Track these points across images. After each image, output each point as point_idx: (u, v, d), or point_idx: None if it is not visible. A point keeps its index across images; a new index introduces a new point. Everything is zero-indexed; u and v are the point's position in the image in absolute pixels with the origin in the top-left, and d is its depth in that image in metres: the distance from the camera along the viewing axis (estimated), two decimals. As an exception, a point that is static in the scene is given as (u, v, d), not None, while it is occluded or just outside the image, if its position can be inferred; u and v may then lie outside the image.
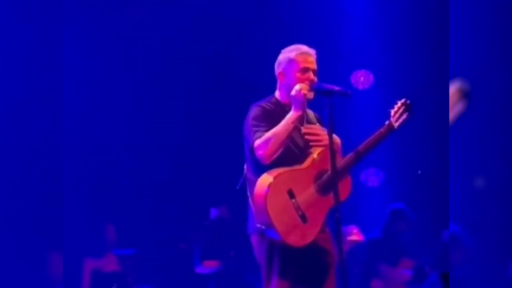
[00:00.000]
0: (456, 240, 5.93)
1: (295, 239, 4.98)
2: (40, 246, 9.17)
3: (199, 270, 9.44)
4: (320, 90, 5.04)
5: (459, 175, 5.14)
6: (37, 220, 9.21)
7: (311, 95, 5.07)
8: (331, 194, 4.92)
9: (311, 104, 5.18)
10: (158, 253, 9.87)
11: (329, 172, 4.98)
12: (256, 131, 5.07)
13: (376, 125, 5.27)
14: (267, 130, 5.03)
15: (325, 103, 4.95)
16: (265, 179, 5.00)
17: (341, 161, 5.10)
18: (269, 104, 5.20)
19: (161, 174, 10.31)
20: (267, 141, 4.99)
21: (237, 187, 5.30)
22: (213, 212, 9.75)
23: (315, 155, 5.12)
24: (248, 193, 5.16)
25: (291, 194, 5.01)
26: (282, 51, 5.29)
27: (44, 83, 9.39)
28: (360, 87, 10.31)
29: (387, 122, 5.22)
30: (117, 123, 10.29)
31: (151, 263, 9.82)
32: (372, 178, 10.41)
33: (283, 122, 5.03)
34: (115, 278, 9.37)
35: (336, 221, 4.84)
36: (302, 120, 5.16)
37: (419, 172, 10.08)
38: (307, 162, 5.11)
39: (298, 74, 5.16)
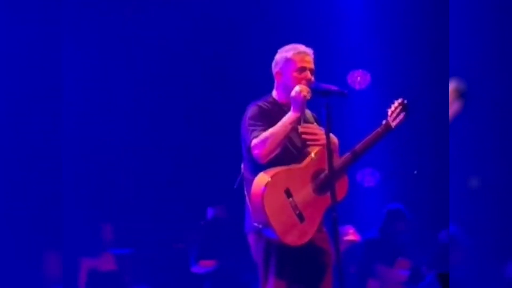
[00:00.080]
0: (454, 240, 5.94)
1: (292, 239, 4.98)
2: (38, 245, 9.18)
3: (195, 269, 9.44)
4: (318, 90, 5.05)
5: (458, 175, 5.15)
6: (37, 219, 9.24)
7: (309, 95, 5.08)
8: (328, 194, 4.92)
9: (308, 103, 5.18)
10: (155, 253, 9.87)
11: (326, 171, 4.99)
12: (253, 130, 5.07)
13: (373, 124, 5.27)
14: (264, 130, 5.04)
15: (322, 103, 4.95)
16: (262, 178, 5.00)
17: (338, 161, 5.11)
18: (266, 104, 5.20)
19: (158, 174, 10.31)
20: (264, 140, 5.00)
21: (235, 186, 5.31)
22: (210, 212, 9.75)
23: (312, 155, 5.12)
24: (245, 192, 5.16)
25: (288, 193, 5.01)
26: (279, 50, 5.29)
27: (44, 83, 9.40)
28: (357, 87, 10.30)
29: (384, 122, 5.23)
30: (115, 123, 10.29)
31: (147, 263, 9.82)
32: (368, 178, 10.41)
33: (281, 123, 5.03)
34: (111, 277, 9.37)
35: (333, 220, 4.84)
36: (299, 120, 5.17)
37: (415, 172, 10.08)
38: (305, 161, 5.11)
39: (295, 74, 5.17)
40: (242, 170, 5.26)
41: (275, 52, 5.31)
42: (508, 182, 5.11)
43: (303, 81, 5.12)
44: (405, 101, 5.25)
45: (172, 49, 10.37)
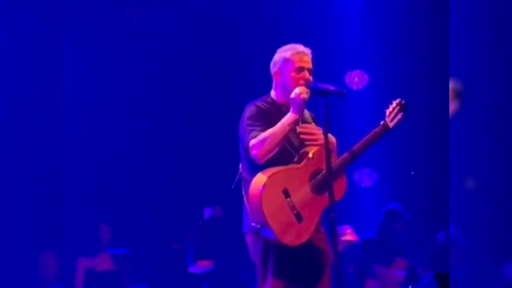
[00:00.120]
0: (452, 241, 5.94)
1: (290, 239, 4.98)
2: (37, 244, 9.18)
3: (192, 269, 9.44)
4: (316, 90, 5.04)
5: (457, 176, 5.15)
6: (36, 219, 9.23)
7: (308, 96, 5.08)
8: (326, 194, 4.92)
9: (307, 103, 5.17)
10: (152, 253, 9.87)
11: (324, 171, 4.99)
12: (251, 130, 5.06)
13: (371, 124, 5.27)
14: (262, 130, 5.03)
15: (321, 103, 4.95)
16: (260, 179, 5.00)
17: (336, 161, 5.10)
18: (265, 104, 5.20)
19: (155, 174, 10.31)
20: (262, 141, 4.99)
21: (232, 187, 5.30)
22: (207, 212, 9.75)
23: (310, 155, 5.12)
24: (243, 193, 5.16)
25: (286, 193, 5.01)
26: (278, 50, 5.28)
27: (44, 83, 9.40)
28: (355, 87, 10.32)
29: (382, 122, 5.22)
30: (114, 123, 10.30)
31: (145, 263, 9.82)
32: (365, 178, 10.42)
33: (279, 124, 5.02)
34: (108, 277, 9.36)
35: (331, 220, 4.84)
36: (298, 122, 5.16)
37: (412, 173, 10.09)
38: (303, 161, 5.11)
39: (293, 74, 5.16)
40: (240, 170, 5.25)
41: (273, 52, 5.30)
42: (507, 183, 5.11)
43: (301, 81, 5.11)
44: (403, 101, 5.25)
45: (172, 49, 10.39)
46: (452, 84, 5.15)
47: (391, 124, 5.21)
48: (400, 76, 10.07)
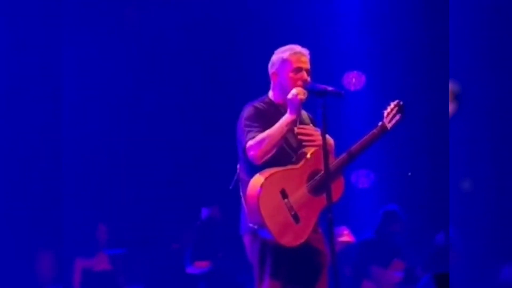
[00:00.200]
0: (453, 243, 5.95)
1: (288, 239, 4.98)
2: (36, 245, 9.16)
3: (190, 270, 9.43)
4: (314, 90, 5.04)
5: (457, 177, 5.16)
6: (35, 219, 9.22)
7: (305, 97, 5.08)
8: (324, 195, 4.93)
9: (305, 104, 5.18)
10: (149, 253, 9.86)
11: (322, 172, 4.99)
12: (249, 131, 5.06)
13: (369, 125, 5.28)
14: (260, 131, 5.03)
15: (319, 103, 4.95)
16: (257, 179, 5.00)
17: (334, 162, 5.11)
18: (263, 104, 5.20)
19: (153, 175, 10.30)
20: (260, 142, 5.00)
21: (230, 187, 5.30)
22: (204, 212, 9.74)
23: (308, 155, 5.12)
24: (241, 193, 5.16)
25: (284, 194, 5.01)
26: (276, 51, 5.29)
27: (44, 83, 9.40)
28: (352, 88, 10.33)
29: (380, 123, 5.23)
30: (112, 124, 10.30)
31: (142, 263, 9.81)
32: (362, 179, 10.42)
33: (277, 125, 5.03)
34: (106, 277, 9.35)
35: (328, 221, 4.84)
36: (296, 122, 5.17)
37: (409, 173, 10.10)
38: (300, 162, 5.11)
39: (291, 74, 5.16)
40: (238, 171, 5.25)
41: (272, 53, 5.30)
42: (506, 184, 5.12)
43: (299, 82, 5.12)
44: (401, 103, 5.26)
45: (171, 50, 10.40)
46: (450, 86, 5.16)
47: (389, 126, 5.22)
48: (398, 77, 10.08)
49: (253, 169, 5.06)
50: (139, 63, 10.36)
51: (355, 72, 10.45)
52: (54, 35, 9.74)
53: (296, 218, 5.02)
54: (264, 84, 5.35)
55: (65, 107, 9.90)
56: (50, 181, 9.57)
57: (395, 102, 5.28)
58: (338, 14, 10.52)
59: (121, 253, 9.65)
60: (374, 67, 10.37)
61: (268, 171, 5.02)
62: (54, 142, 9.71)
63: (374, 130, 5.22)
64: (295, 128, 5.16)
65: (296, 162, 5.12)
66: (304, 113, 5.30)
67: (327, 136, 5.02)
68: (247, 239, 5.17)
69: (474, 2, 5.28)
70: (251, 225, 5.02)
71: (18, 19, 9.55)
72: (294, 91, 5.06)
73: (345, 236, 8.29)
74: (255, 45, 9.60)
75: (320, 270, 5.15)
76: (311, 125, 5.27)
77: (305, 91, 5.06)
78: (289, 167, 5.09)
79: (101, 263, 9.43)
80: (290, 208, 5.01)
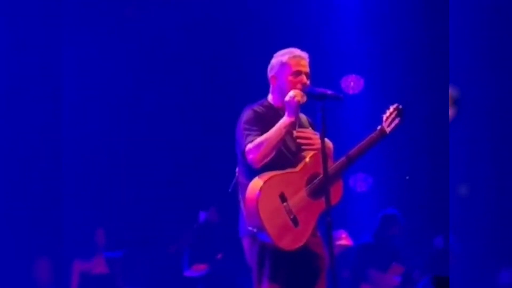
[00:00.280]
0: (451, 246, 5.96)
1: (287, 243, 4.98)
2: (35, 247, 9.15)
3: (188, 273, 9.43)
4: (313, 94, 5.05)
5: (457, 181, 5.16)
6: (34, 222, 9.21)
7: (304, 99, 5.08)
8: (323, 198, 4.92)
9: (303, 107, 5.19)
10: (147, 256, 9.85)
11: (321, 176, 4.99)
12: (248, 135, 5.06)
13: (367, 129, 5.28)
14: (259, 134, 5.03)
15: (318, 107, 4.95)
16: (256, 183, 5.00)
17: (333, 165, 5.11)
18: (262, 108, 5.20)
19: (151, 177, 10.30)
20: (258, 145, 5.00)
21: (229, 190, 5.30)
22: (202, 215, 9.74)
23: (307, 159, 5.12)
24: (240, 197, 5.16)
25: (283, 198, 5.01)
26: (275, 55, 5.29)
27: (44, 83, 9.40)
28: (351, 91, 10.33)
29: (379, 127, 5.23)
30: (112, 125, 10.29)
31: (140, 266, 9.79)
32: (361, 183, 10.43)
33: (275, 128, 5.03)
34: (103, 280, 9.34)
35: (327, 225, 4.84)
36: (294, 125, 5.16)
37: (407, 177, 10.10)
38: (299, 165, 5.11)
39: (290, 77, 5.16)
40: (237, 174, 5.25)
41: (271, 56, 5.30)
42: (506, 189, 5.13)
43: (299, 85, 5.12)
44: (401, 106, 5.26)
45: (171, 51, 10.40)
46: (450, 91, 5.17)
47: (388, 129, 5.22)
48: (397, 80, 10.09)
49: (252, 173, 5.05)
50: (139, 63, 10.36)
51: (353, 75, 10.46)
52: (54, 35, 9.74)
53: (295, 221, 5.02)
54: (263, 85, 5.35)
55: (65, 107, 9.89)
56: (49, 182, 9.57)
57: (394, 105, 5.28)
58: (337, 17, 10.53)
59: (119, 256, 9.64)
60: (374, 70, 10.38)
61: (267, 175, 5.02)
62: (54, 142, 9.70)
63: (373, 134, 5.22)
64: (294, 132, 5.16)
65: (295, 166, 5.12)
66: (303, 117, 5.30)
67: (326, 139, 5.02)
68: (246, 242, 5.17)
69: (474, 5, 5.29)
70: (250, 228, 5.02)
71: (18, 19, 9.54)
72: (291, 93, 5.06)
73: (343, 240, 8.31)
74: (255, 47, 9.62)
75: (319, 273, 5.15)
76: (310, 128, 5.27)
77: (302, 93, 5.06)
78: (288, 170, 5.09)
79: (99, 266, 9.42)
80: (289, 212, 5.01)
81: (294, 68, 5.17)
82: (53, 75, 9.72)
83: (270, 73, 5.26)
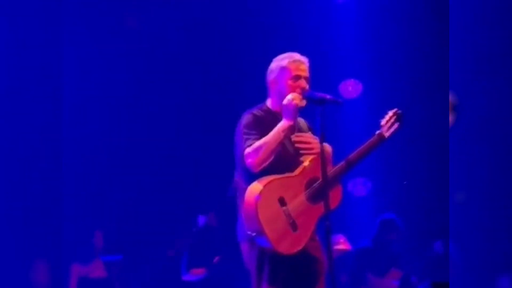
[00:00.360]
0: (451, 252, 5.96)
1: (286, 247, 4.98)
2: (33, 251, 9.13)
3: (186, 277, 9.42)
4: (312, 98, 5.05)
5: (457, 187, 5.16)
6: (33, 225, 9.20)
7: (303, 103, 5.08)
8: (322, 202, 4.92)
9: (303, 112, 5.18)
10: (145, 260, 9.84)
11: (320, 180, 4.99)
12: (247, 139, 5.07)
13: (368, 134, 5.28)
14: (257, 138, 5.03)
15: (317, 111, 4.95)
16: (255, 187, 5.00)
17: (332, 170, 5.11)
18: (261, 112, 5.21)
19: (150, 180, 10.28)
20: (257, 149, 5.00)
21: (228, 195, 5.31)
22: (201, 219, 9.73)
23: (306, 163, 5.12)
24: (239, 201, 5.16)
25: (282, 202, 5.01)
26: (274, 59, 5.29)
27: (44, 83, 9.39)
28: (349, 96, 10.33)
29: (378, 132, 5.23)
30: (111, 128, 10.27)
31: (138, 270, 9.78)
32: (359, 188, 10.42)
33: (273, 131, 5.03)
34: (102, 284, 9.33)
35: (326, 229, 4.84)
36: (293, 129, 5.16)
37: (405, 182, 10.10)
38: (298, 169, 5.11)
39: (290, 82, 5.17)
40: (236, 178, 5.25)
41: (269, 60, 5.30)
42: (505, 194, 5.12)
43: (298, 89, 5.13)
44: (400, 111, 5.26)
45: (171, 51, 10.39)
46: (449, 98, 5.17)
47: (387, 134, 5.23)
48: (396, 85, 10.09)
49: (251, 177, 5.05)
50: (139, 64, 10.35)
51: (352, 80, 10.46)
52: (54, 35, 9.73)
53: (294, 225, 5.01)
54: (263, 89, 5.35)
55: (65, 107, 9.88)
56: (48, 185, 9.55)
57: (394, 110, 5.29)
58: (337, 21, 10.53)
59: (118, 259, 9.63)
60: (373, 75, 10.38)
61: (266, 179, 5.02)
62: (54, 142, 9.69)
63: (372, 139, 5.22)
64: (293, 136, 5.16)
65: (294, 170, 5.11)
66: (302, 121, 5.31)
67: (325, 144, 5.03)
68: (244, 247, 5.17)
69: (474, 10, 5.29)
70: (249, 232, 5.01)
71: (18, 19, 9.53)
72: (289, 96, 5.07)
73: (342, 244, 8.31)
74: (254, 51, 9.62)
75: (317, 278, 5.15)
76: (309, 133, 5.27)
77: (300, 97, 5.07)
78: (287, 174, 5.09)
79: (97, 269, 9.41)
80: (288, 216, 5.01)
81: (294, 73, 5.17)
82: (53, 75, 9.71)
83: (270, 77, 5.26)
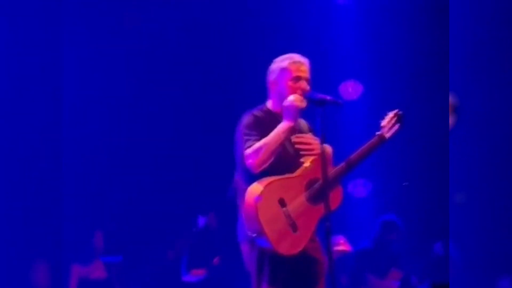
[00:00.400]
0: (451, 253, 5.97)
1: (286, 248, 4.98)
2: (33, 251, 9.13)
3: (186, 278, 9.42)
4: (313, 99, 5.06)
5: (458, 188, 5.16)
6: (33, 226, 9.19)
7: (303, 104, 5.09)
8: (322, 203, 4.93)
9: (303, 113, 5.19)
10: (146, 261, 9.84)
11: (320, 181, 4.99)
12: (247, 140, 5.07)
13: (369, 135, 5.28)
14: (258, 139, 5.04)
15: (317, 112, 4.96)
16: (256, 188, 5.00)
17: (332, 171, 5.11)
18: (261, 113, 5.21)
19: (150, 181, 10.27)
20: (257, 150, 5.00)
21: (228, 195, 5.31)
22: (201, 220, 9.74)
23: (306, 164, 5.12)
24: (239, 201, 5.16)
25: (282, 203, 5.01)
26: (275, 60, 5.29)
27: (44, 83, 9.38)
28: (349, 97, 10.34)
29: (378, 133, 5.24)
30: (111, 129, 10.26)
31: (138, 271, 9.78)
32: (359, 189, 10.42)
33: (274, 132, 5.04)
34: (102, 285, 9.33)
35: (326, 230, 4.85)
36: (293, 130, 5.16)
37: (404, 183, 10.09)
38: (299, 170, 5.11)
39: (290, 83, 5.17)
40: (236, 179, 5.25)
41: (270, 61, 5.31)
42: (505, 196, 5.13)
43: (299, 91, 5.13)
44: (400, 112, 5.27)
45: (171, 52, 10.38)
46: (450, 99, 5.17)
47: (387, 135, 5.23)
48: (397, 86, 10.09)
49: (251, 178, 5.06)
50: (139, 64, 10.34)
51: (352, 81, 10.46)
52: (54, 35, 9.73)
53: (294, 226, 5.02)
54: (263, 90, 5.35)
55: (65, 107, 9.88)
56: (48, 185, 9.55)
57: (394, 111, 5.29)
58: (337, 23, 10.53)
59: (118, 260, 9.62)
60: (373, 76, 10.38)
61: (266, 180, 5.02)
62: (54, 142, 9.69)
63: (373, 140, 5.22)
64: (293, 137, 5.16)
65: (295, 171, 5.12)
66: (302, 122, 5.31)
67: (326, 145, 5.03)
68: (244, 247, 5.17)
69: (474, 13, 5.29)
70: (249, 233, 5.02)
71: (18, 19, 9.53)
72: (291, 97, 5.07)
73: (342, 245, 8.29)
74: (253, 55, 9.60)
75: (318, 279, 5.15)
76: (310, 134, 5.27)
77: (302, 98, 5.07)
78: (288, 175, 5.09)
79: (97, 270, 9.40)
80: (288, 217, 5.01)
81: (294, 74, 5.17)
82: (53, 75, 9.70)
83: (270, 78, 5.26)
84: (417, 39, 10.17)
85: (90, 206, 9.93)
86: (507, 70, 5.13)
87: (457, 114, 5.10)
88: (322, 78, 5.76)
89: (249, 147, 5.02)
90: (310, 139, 5.20)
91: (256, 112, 5.20)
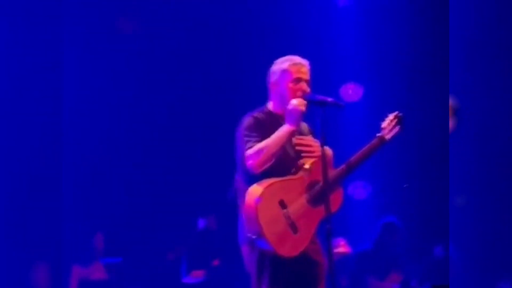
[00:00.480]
0: (451, 256, 5.96)
1: (286, 250, 4.98)
2: (33, 253, 9.12)
3: (186, 280, 9.42)
4: (313, 101, 5.05)
5: (458, 191, 5.16)
6: (33, 227, 9.18)
7: (304, 108, 5.09)
8: (322, 205, 4.92)
9: (304, 115, 5.18)
10: (146, 262, 9.83)
11: (321, 183, 4.99)
12: (248, 141, 5.07)
13: (369, 137, 5.28)
14: (258, 141, 5.03)
15: (318, 114, 4.95)
16: (256, 189, 5.00)
17: (332, 173, 5.11)
18: (262, 114, 5.21)
19: (149, 183, 10.26)
20: (258, 152, 5.00)
21: (228, 197, 5.30)
22: (201, 222, 9.73)
23: (307, 166, 5.12)
24: (239, 203, 5.16)
25: (283, 205, 5.01)
26: (275, 62, 5.29)
27: (44, 83, 9.38)
28: (350, 99, 10.34)
29: (379, 135, 5.24)
30: (110, 130, 10.26)
31: (138, 272, 9.77)
32: (359, 191, 10.42)
33: (275, 135, 5.03)
34: (102, 286, 9.33)
35: (327, 232, 4.84)
36: (295, 133, 5.17)
37: (404, 185, 10.09)
38: (299, 172, 5.11)
39: (290, 85, 5.17)
40: (236, 181, 5.25)
41: (270, 63, 5.30)
42: (505, 198, 5.12)
43: (299, 92, 5.13)
44: (401, 114, 5.26)
45: (171, 52, 10.38)
46: (450, 102, 5.17)
47: (388, 137, 5.23)
48: (397, 88, 10.09)
49: (252, 179, 5.05)
50: (140, 64, 10.34)
51: (352, 83, 10.47)
52: (54, 35, 9.72)
53: (294, 228, 5.01)
54: (264, 91, 5.35)
55: (65, 107, 9.87)
56: (48, 186, 9.54)
57: (394, 113, 5.28)
58: (337, 25, 10.53)
59: (117, 262, 9.62)
60: (374, 78, 10.38)
61: (266, 181, 5.02)
62: (54, 143, 9.68)
63: (373, 142, 5.22)
64: (294, 139, 5.16)
65: (295, 173, 5.12)
66: (303, 124, 5.30)
67: (326, 147, 5.02)
68: (245, 249, 5.16)
69: (474, 14, 5.29)
70: (249, 235, 5.01)
71: (18, 19, 9.53)
72: (294, 101, 5.06)
73: (342, 247, 8.29)
74: (253, 56, 9.60)
75: (318, 281, 5.15)
76: (310, 136, 5.27)
77: (305, 102, 5.07)
78: (288, 177, 5.09)
79: (97, 271, 9.40)
80: (289, 218, 5.01)
81: (295, 75, 5.17)
82: (53, 75, 9.70)
83: (270, 80, 5.26)
84: (417, 41, 10.17)
85: (90, 208, 9.93)
86: (507, 72, 5.12)
87: (457, 117, 5.09)
88: (322, 80, 5.76)
89: (250, 148, 5.02)
90: (311, 141, 5.20)
91: (257, 113, 5.20)
